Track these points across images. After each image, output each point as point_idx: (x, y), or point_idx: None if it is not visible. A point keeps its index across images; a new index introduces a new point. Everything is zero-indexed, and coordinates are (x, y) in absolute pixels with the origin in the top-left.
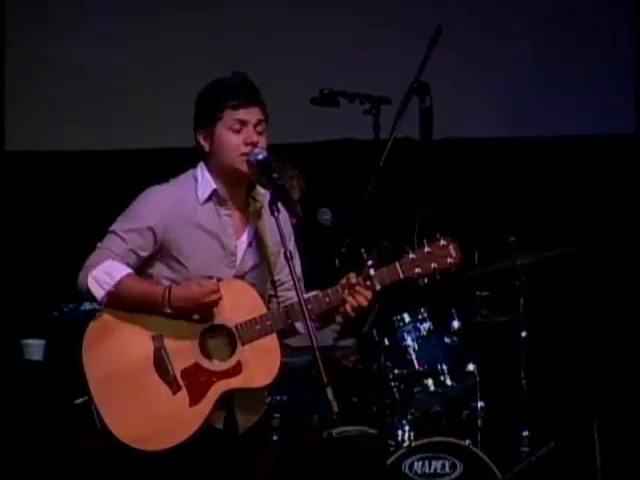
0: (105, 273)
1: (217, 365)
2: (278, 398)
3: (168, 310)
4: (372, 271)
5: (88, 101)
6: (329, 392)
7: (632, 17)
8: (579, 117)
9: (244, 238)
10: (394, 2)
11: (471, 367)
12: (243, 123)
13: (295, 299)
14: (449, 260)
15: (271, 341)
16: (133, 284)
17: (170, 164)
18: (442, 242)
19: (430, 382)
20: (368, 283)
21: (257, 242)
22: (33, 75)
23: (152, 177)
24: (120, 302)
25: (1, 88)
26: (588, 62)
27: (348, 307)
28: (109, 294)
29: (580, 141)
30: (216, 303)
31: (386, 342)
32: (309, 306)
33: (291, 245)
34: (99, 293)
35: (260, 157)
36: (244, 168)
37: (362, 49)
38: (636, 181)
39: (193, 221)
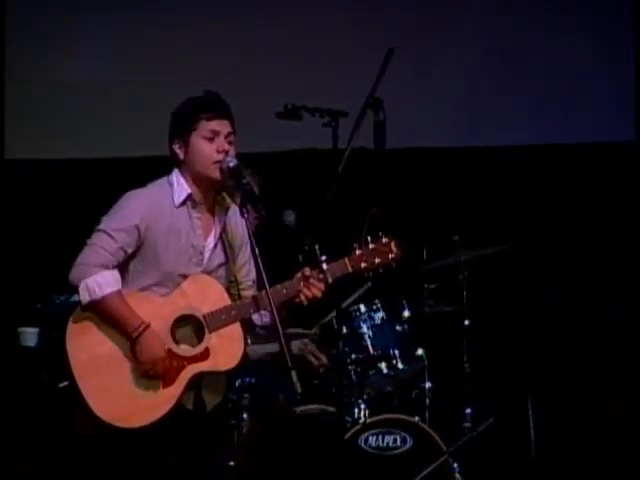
0: (97, 284)
1: (187, 351)
2: (247, 380)
3: (130, 338)
4: (325, 265)
5: (84, 112)
6: (293, 375)
7: (632, 21)
8: (577, 124)
9: (211, 239)
10: (350, 25)
11: (420, 352)
12: (215, 133)
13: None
14: (390, 256)
15: (235, 329)
16: (116, 304)
17: (154, 170)
18: (384, 240)
19: (383, 365)
20: (321, 276)
21: (222, 243)
22: (33, 87)
23: (140, 182)
24: (98, 312)
25: (1, 99)
26: (587, 69)
27: (302, 297)
28: (93, 302)
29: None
30: (158, 374)
31: (344, 330)
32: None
33: (249, 250)
34: (85, 299)
35: (231, 164)
36: (216, 175)
37: (322, 68)
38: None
39: (168, 222)
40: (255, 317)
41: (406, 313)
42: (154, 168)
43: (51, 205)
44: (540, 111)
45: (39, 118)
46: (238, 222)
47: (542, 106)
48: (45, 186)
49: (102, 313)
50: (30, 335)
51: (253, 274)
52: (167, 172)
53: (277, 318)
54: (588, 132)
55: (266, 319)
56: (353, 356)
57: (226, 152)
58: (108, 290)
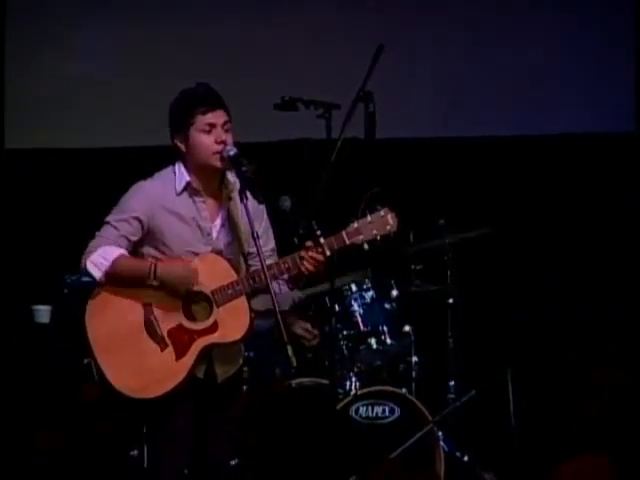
0: (101, 256)
1: (197, 325)
2: (246, 354)
3: (154, 282)
4: (322, 239)
5: (85, 101)
6: (289, 349)
7: (632, 12)
8: (576, 115)
9: (218, 221)
10: (343, 22)
11: (407, 328)
12: (212, 125)
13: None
14: (388, 227)
15: (241, 303)
16: (125, 262)
17: (156, 160)
18: (381, 212)
19: (373, 341)
20: (319, 249)
21: (229, 223)
22: (32, 78)
23: (141, 171)
24: (116, 279)
25: (1, 90)
26: (586, 58)
27: (303, 268)
28: (106, 274)
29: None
30: (194, 278)
31: (336, 308)
32: (272, 271)
33: (263, 223)
34: (97, 274)
35: (231, 153)
36: (218, 164)
37: (317, 63)
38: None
39: (172, 210)
40: (274, 286)
41: (394, 292)
42: (152, 157)
43: (62, 191)
44: (540, 101)
45: (40, 109)
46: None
47: (542, 97)
48: (54, 173)
49: (117, 278)
50: (43, 312)
51: (272, 244)
52: (164, 161)
53: (273, 294)
54: (587, 122)
55: (284, 287)
56: (345, 332)
57: (224, 141)
58: (112, 256)
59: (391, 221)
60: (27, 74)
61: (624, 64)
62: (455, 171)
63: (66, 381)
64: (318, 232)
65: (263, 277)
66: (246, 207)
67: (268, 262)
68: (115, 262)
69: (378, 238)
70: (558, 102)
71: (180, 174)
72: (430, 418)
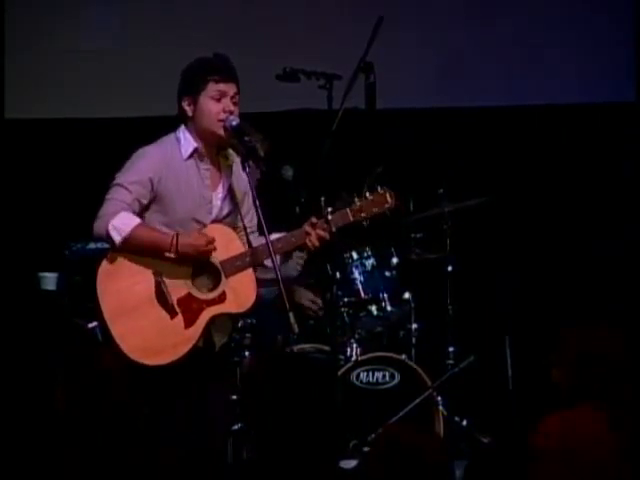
0: (122, 222)
1: (206, 295)
2: (249, 321)
3: (173, 255)
4: (330, 216)
5: (85, 72)
6: (291, 316)
7: None
8: (576, 84)
9: (219, 190)
10: None
11: (407, 295)
12: (223, 94)
13: (262, 241)
14: (386, 205)
15: (249, 274)
16: (145, 231)
17: (155, 130)
18: (380, 191)
19: (373, 308)
20: (326, 225)
21: (230, 194)
22: (32, 47)
23: (140, 140)
24: (133, 246)
25: (1, 58)
26: (587, 28)
27: (309, 244)
28: (125, 239)
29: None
30: (212, 251)
31: (338, 275)
32: (279, 245)
33: (250, 196)
34: (117, 239)
35: (234, 123)
36: (221, 132)
37: (318, 35)
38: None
39: (179, 175)
40: (267, 262)
41: (394, 260)
42: (152, 127)
43: (66, 160)
44: (540, 71)
45: (40, 79)
46: (241, 174)
47: (542, 67)
48: (54, 142)
49: (135, 245)
50: (49, 279)
51: (255, 220)
52: (163, 131)
53: (276, 264)
54: (588, 92)
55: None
56: (346, 299)
57: (231, 112)
58: (134, 223)
59: (389, 199)
60: (27, 44)
61: (624, 33)
62: (455, 141)
63: (72, 346)
64: (328, 209)
65: (273, 248)
66: (248, 176)
67: (253, 237)
68: (135, 229)
69: (377, 215)
70: (558, 72)
71: (186, 140)
72: (429, 383)
